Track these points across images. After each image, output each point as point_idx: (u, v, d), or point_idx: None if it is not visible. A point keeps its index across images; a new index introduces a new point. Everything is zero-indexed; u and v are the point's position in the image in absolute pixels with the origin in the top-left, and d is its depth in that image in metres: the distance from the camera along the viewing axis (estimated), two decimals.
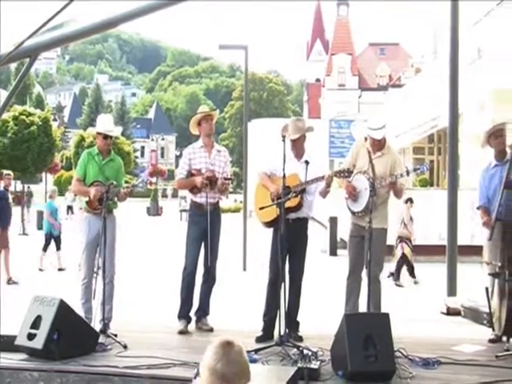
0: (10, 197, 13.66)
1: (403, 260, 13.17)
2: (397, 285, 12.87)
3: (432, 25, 33.10)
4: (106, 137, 7.23)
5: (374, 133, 6.75)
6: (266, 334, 6.74)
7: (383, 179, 6.62)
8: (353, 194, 6.77)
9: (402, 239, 13.29)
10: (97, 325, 6.78)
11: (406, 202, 13.37)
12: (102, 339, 6.43)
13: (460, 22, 9.94)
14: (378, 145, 6.85)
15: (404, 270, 13.26)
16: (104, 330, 6.67)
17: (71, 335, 6.00)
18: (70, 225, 21.20)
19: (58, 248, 15.10)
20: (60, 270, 14.92)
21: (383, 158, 6.84)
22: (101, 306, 6.82)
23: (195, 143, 7.55)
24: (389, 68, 70.49)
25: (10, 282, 12.62)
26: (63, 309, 6.05)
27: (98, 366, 5.73)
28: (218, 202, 7.45)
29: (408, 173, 6.62)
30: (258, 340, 6.64)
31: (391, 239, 13.65)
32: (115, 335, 6.64)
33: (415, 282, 13.12)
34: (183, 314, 7.29)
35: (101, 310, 6.82)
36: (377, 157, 6.82)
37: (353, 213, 6.88)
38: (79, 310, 6.76)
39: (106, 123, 7.37)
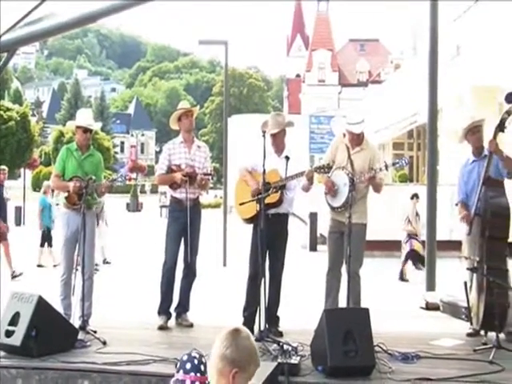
0: (5, 191, 13.53)
1: (410, 256, 13.13)
2: (403, 280, 12.86)
3: (411, 21, 33.25)
4: (85, 131, 7.18)
5: (352, 127, 6.78)
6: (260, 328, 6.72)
7: (362, 174, 6.65)
8: (332, 190, 6.79)
9: (410, 236, 13.22)
10: (76, 321, 6.74)
11: (412, 197, 13.36)
12: (81, 336, 6.40)
13: (439, 18, 10.00)
14: (357, 139, 6.87)
15: (409, 265, 13.21)
16: (83, 327, 6.63)
17: (50, 332, 5.94)
18: None
19: (50, 244, 14.89)
20: (55, 266, 14.71)
21: (362, 153, 6.87)
22: (80, 303, 6.78)
23: (175, 139, 7.53)
24: (368, 64, 70.74)
25: (13, 275, 12.61)
26: (42, 305, 6.00)
27: (77, 363, 5.69)
28: (198, 197, 7.44)
29: (387, 167, 6.64)
30: None
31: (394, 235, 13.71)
32: (94, 332, 6.59)
33: (401, 278, 13.07)
34: (163, 310, 7.27)
35: (80, 306, 6.78)
36: (355, 152, 6.85)
37: (332, 208, 6.90)
38: (58, 307, 6.71)
39: (85, 117, 7.33)
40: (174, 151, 7.39)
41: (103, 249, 15.77)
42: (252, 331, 6.64)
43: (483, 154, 6.76)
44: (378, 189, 6.86)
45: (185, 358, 3.22)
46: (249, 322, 6.79)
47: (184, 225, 7.15)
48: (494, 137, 6.47)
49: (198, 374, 3.19)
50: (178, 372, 3.20)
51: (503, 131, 6.44)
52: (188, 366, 3.18)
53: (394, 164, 6.94)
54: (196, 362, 3.21)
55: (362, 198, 6.86)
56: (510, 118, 6.44)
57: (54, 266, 14.72)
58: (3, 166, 13.57)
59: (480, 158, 6.84)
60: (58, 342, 6.03)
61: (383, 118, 29.73)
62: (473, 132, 6.90)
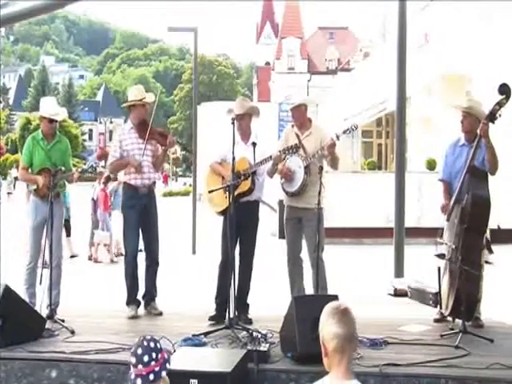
0: None
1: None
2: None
3: (380, 9, 33.36)
4: (51, 121, 7.07)
5: (292, 105, 6.99)
6: (219, 315, 6.70)
7: (316, 152, 6.71)
8: (288, 175, 6.84)
9: None
10: (44, 310, 6.67)
11: None
12: (48, 325, 6.33)
13: (408, 6, 10.06)
14: (302, 122, 6.98)
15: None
16: (51, 316, 6.57)
17: (16, 321, 5.86)
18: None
19: (68, 234, 14.38)
20: (72, 256, 14.41)
21: (311, 136, 6.95)
22: (47, 292, 6.71)
23: (125, 125, 7.44)
24: (338, 52, 70.89)
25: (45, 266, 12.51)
26: (8, 295, 5.92)
27: (45, 352, 5.64)
28: (152, 183, 7.35)
29: (338, 137, 6.68)
30: (211, 319, 6.62)
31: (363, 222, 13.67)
32: (62, 321, 6.54)
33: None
34: (131, 300, 7.20)
35: (47, 295, 6.71)
36: (305, 136, 6.93)
37: (291, 194, 6.92)
38: (23, 296, 6.62)
39: (50, 106, 7.20)
40: (125, 137, 7.28)
41: None
42: (224, 318, 6.63)
43: (471, 144, 6.53)
44: (335, 164, 6.92)
45: (139, 351, 3.20)
46: (221, 308, 6.76)
47: (141, 212, 7.08)
48: (486, 123, 6.32)
49: (153, 362, 3.19)
50: (136, 367, 3.17)
51: (493, 122, 6.26)
52: (146, 358, 3.18)
53: (344, 132, 6.87)
54: (151, 351, 3.21)
55: (319, 181, 6.85)
56: (501, 110, 6.32)
57: (72, 256, 14.44)
58: None
59: (471, 144, 6.59)
60: (26, 331, 5.95)
61: (352, 105, 29.84)
62: (463, 116, 6.79)
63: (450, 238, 6.56)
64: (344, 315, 3.10)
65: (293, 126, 7.08)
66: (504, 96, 6.23)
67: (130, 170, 7.19)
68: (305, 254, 7.03)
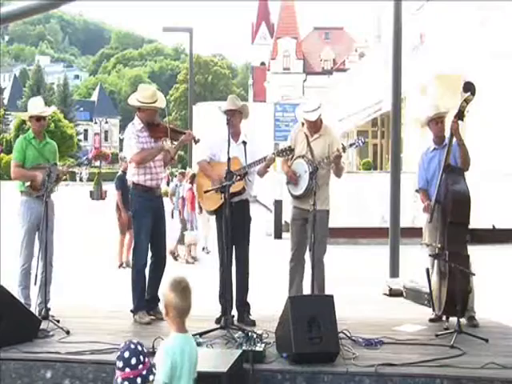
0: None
1: None
2: None
3: (376, 9, 33.41)
4: (38, 119, 7.10)
5: (308, 115, 6.84)
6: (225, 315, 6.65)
7: (322, 160, 6.69)
8: (293, 179, 6.83)
9: None
10: (35, 308, 6.66)
11: None
12: (44, 325, 6.32)
13: (403, 6, 10.07)
14: (314, 127, 6.92)
15: None
16: (46, 316, 6.55)
17: (12, 322, 5.84)
18: None
19: None
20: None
21: (321, 139, 6.92)
22: (41, 290, 6.71)
23: (136, 123, 7.06)
24: (333, 52, 71.03)
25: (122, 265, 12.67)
26: (3, 295, 5.91)
27: (40, 353, 5.63)
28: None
29: (344, 149, 6.64)
30: (218, 321, 6.57)
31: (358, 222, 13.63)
32: (58, 321, 6.52)
33: None
34: (143, 305, 6.92)
35: (42, 293, 6.71)
36: (314, 139, 6.90)
37: (294, 197, 6.92)
38: (18, 297, 6.60)
39: (36, 105, 7.22)
40: (139, 134, 7.11)
41: (206, 238, 15.21)
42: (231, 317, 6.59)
43: (444, 143, 6.81)
44: (339, 173, 6.91)
45: (126, 354, 3.20)
46: (227, 308, 6.68)
47: (154, 215, 6.92)
48: (456, 121, 6.50)
49: (140, 366, 3.19)
50: (122, 370, 3.17)
51: (462, 120, 6.49)
52: (133, 361, 3.18)
53: (351, 145, 6.89)
54: (139, 354, 3.21)
55: (324, 184, 6.88)
56: (468, 107, 6.50)
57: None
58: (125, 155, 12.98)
59: (441, 146, 6.89)
60: (21, 332, 5.94)
61: (348, 106, 29.89)
62: (436, 122, 6.95)
63: (433, 238, 6.68)
64: (184, 291, 3.75)
65: (303, 125, 7.01)
66: (469, 93, 6.43)
67: (144, 171, 6.92)
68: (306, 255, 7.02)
